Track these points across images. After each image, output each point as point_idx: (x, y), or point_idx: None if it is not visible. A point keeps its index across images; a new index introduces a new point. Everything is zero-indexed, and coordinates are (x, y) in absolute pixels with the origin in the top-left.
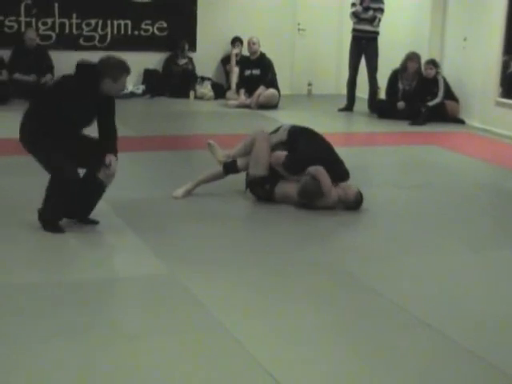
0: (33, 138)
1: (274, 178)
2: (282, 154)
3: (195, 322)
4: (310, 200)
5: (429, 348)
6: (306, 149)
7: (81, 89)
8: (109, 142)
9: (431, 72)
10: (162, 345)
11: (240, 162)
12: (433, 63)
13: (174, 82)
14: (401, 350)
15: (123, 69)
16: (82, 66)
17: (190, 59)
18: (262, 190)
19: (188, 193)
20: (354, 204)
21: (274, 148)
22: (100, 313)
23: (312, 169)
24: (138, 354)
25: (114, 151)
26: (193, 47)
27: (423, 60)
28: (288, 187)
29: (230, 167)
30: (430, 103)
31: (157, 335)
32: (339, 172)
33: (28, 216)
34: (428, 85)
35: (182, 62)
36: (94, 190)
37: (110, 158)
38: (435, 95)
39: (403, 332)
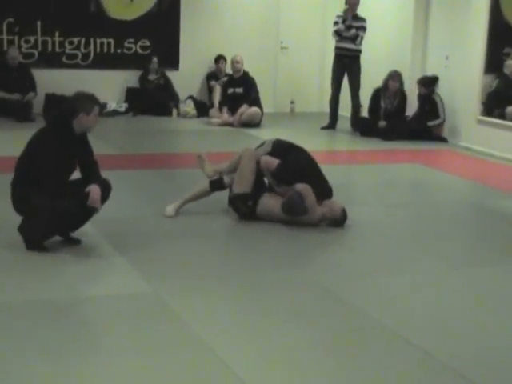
0: (26, 203)
1: (256, 194)
2: (273, 160)
3: (179, 341)
4: (293, 215)
5: (412, 366)
6: (296, 161)
7: (58, 137)
8: (92, 175)
9: (423, 90)
10: (145, 363)
11: (226, 180)
12: (422, 82)
13: (148, 98)
14: (384, 368)
15: (94, 101)
16: (53, 113)
17: (162, 74)
18: (245, 206)
19: (177, 211)
20: (340, 220)
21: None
22: (82, 332)
23: (299, 186)
24: (120, 372)
25: (97, 181)
26: (176, 65)
27: (407, 78)
28: (271, 203)
29: (216, 184)
30: (430, 123)
31: (140, 354)
32: (325, 189)
33: (9, 234)
34: (426, 103)
35: (153, 77)
36: (86, 213)
37: (90, 187)
38: (435, 114)
39: (386, 350)
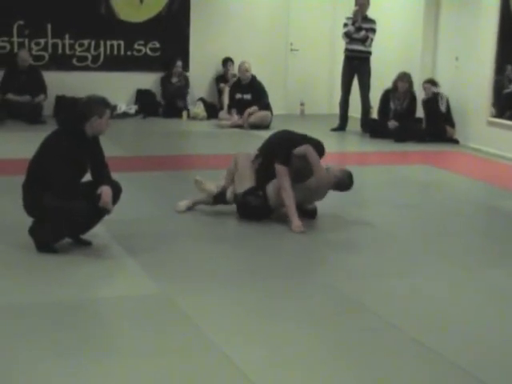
0: (37, 205)
1: (262, 185)
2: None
3: (188, 342)
4: (304, 178)
5: (423, 366)
6: (277, 134)
7: (70, 139)
8: (103, 177)
9: (429, 91)
10: (155, 364)
11: (229, 194)
12: (430, 82)
13: (167, 100)
14: (395, 368)
15: (106, 104)
16: (65, 116)
17: (185, 77)
18: (257, 198)
19: (189, 208)
20: (348, 180)
21: (253, 163)
22: (92, 332)
23: (298, 150)
24: (129, 373)
25: (108, 183)
26: (186, 67)
27: (417, 79)
28: (277, 184)
29: (219, 198)
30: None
31: (149, 355)
32: (319, 146)
33: (20, 236)
34: (430, 105)
35: (176, 80)
36: (97, 214)
37: (102, 188)
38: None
39: (397, 350)
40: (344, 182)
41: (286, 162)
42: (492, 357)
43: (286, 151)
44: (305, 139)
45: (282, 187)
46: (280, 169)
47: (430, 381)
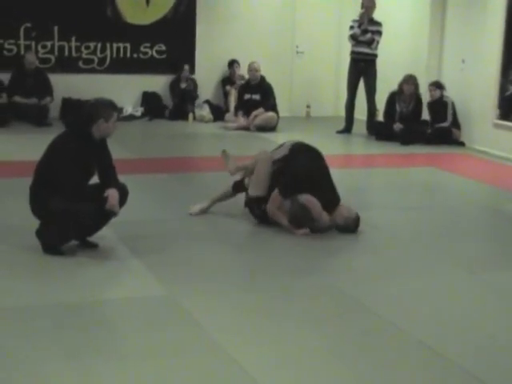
0: (44, 207)
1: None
2: (276, 196)
3: (193, 343)
4: (301, 225)
5: (425, 367)
6: (298, 171)
7: (77, 142)
8: (110, 180)
9: (435, 94)
10: (160, 365)
11: (247, 181)
12: (436, 85)
13: (177, 105)
14: (397, 369)
15: (114, 107)
16: (72, 118)
17: (193, 80)
18: (258, 209)
19: (203, 211)
20: (352, 228)
21: (276, 163)
22: (97, 334)
23: (302, 198)
24: (134, 374)
25: (115, 185)
26: (192, 70)
27: (423, 82)
28: (278, 212)
29: (238, 186)
30: (437, 125)
31: (154, 356)
32: (330, 198)
33: (27, 238)
34: (435, 107)
35: (184, 85)
36: (103, 217)
37: (109, 191)
38: (442, 118)
39: (399, 351)
40: (347, 229)
41: (286, 196)
42: (493, 358)
43: (292, 189)
44: (318, 187)
45: (269, 211)
46: (275, 195)
47: (431, 381)
